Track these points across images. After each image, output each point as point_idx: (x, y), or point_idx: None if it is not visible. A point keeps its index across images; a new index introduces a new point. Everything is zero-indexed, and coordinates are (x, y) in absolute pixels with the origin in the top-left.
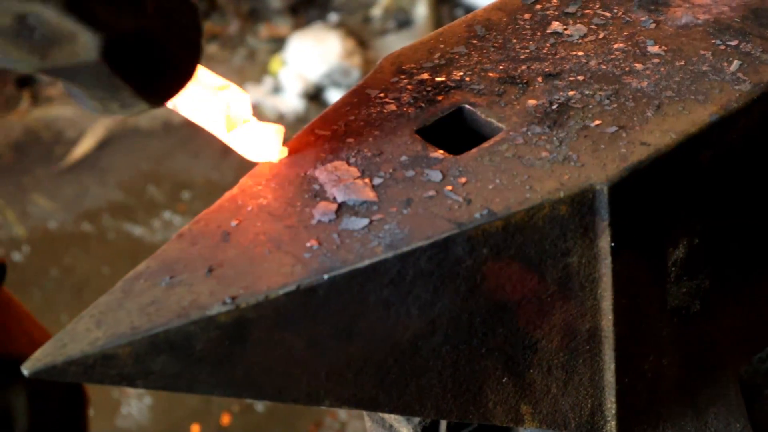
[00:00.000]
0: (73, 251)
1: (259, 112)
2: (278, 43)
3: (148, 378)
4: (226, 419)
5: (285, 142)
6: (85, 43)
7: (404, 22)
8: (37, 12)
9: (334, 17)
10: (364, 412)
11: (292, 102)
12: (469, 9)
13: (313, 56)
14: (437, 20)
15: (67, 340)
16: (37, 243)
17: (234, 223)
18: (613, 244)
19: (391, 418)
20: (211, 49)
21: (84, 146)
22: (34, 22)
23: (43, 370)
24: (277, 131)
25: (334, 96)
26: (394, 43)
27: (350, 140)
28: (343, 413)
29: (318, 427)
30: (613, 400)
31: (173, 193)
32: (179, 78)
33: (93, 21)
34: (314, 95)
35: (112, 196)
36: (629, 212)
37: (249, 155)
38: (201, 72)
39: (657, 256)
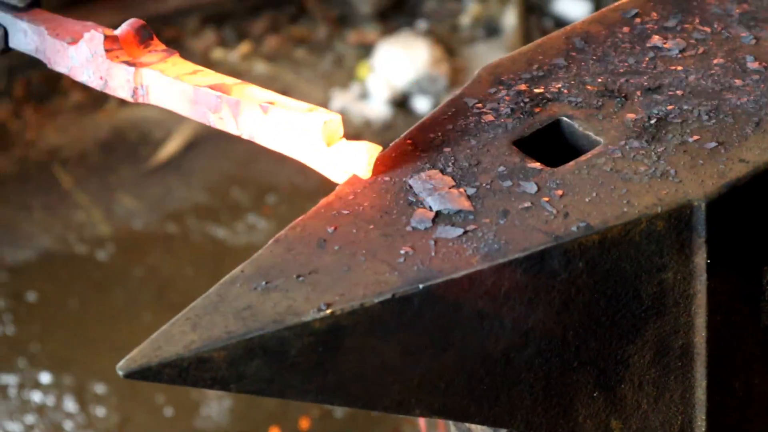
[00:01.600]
0: (157, 251)
1: (345, 118)
2: (366, 50)
3: (241, 382)
4: (304, 424)
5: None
6: None
7: (493, 30)
8: None
9: (422, 25)
10: (450, 422)
11: (378, 108)
12: (557, 19)
13: (401, 63)
14: (526, 30)
15: (162, 342)
16: (122, 242)
17: (330, 229)
18: (708, 261)
19: (478, 429)
20: (298, 53)
21: (170, 148)
22: None
23: (138, 371)
24: (370, 149)
25: (420, 103)
26: (483, 51)
27: (447, 150)
28: (421, 421)
29: None
30: (704, 417)
31: (258, 197)
32: None
33: None
34: (401, 102)
35: (196, 198)
36: (726, 229)
37: (337, 176)
38: (284, 98)
39: (752, 275)
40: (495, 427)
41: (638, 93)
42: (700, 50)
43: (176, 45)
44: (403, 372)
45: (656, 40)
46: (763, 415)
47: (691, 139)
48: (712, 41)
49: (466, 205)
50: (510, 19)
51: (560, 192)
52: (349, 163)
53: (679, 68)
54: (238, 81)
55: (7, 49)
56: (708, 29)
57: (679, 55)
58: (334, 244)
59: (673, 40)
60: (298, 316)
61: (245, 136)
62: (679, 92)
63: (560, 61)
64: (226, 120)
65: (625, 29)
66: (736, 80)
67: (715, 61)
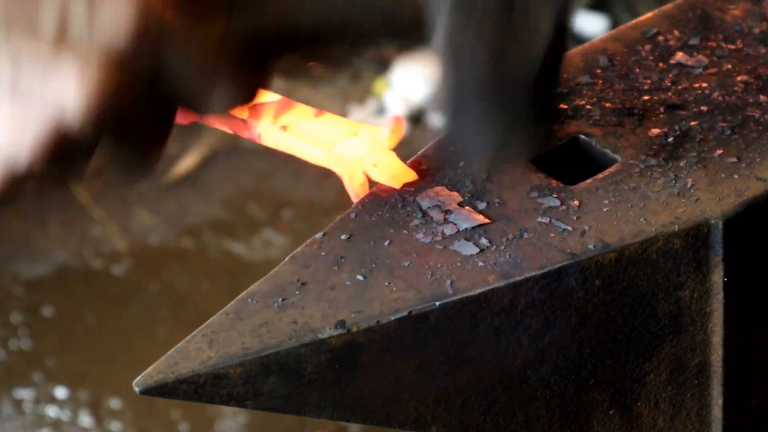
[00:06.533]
0: (173, 266)
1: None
2: (383, 65)
3: (257, 399)
4: None
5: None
6: None
7: None
8: None
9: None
10: None
11: None
12: (576, 36)
13: (418, 79)
14: None
15: (179, 359)
16: (138, 257)
17: (347, 246)
18: (725, 279)
19: None
20: (316, 69)
21: (187, 163)
22: None
23: (154, 388)
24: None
25: (437, 119)
26: None
27: (464, 166)
28: None
29: None
30: None
31: (274, 212)
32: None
33: None
34: (418, 118)
35: (213, 213)
36: (743, 247)
37: (358, 190)
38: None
39: None
40: None
41: (661, 109)
42: (724, 67)
43: None
44: (419, 389)
45: (680, 57)
46: None
47: (710, 156)
48: (735, 58)
49: (480, 219)
50: None
51: (577, 209)
52: (389, 171)
53: (704, 85)
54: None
55: None
56: (731, 46)
57: (702, 72)
58: (350, 260)
59: (696, 57)
60: (314, 333)
61: (269, 133)
62: (702, 108)
63: (579, 79)
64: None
65: (647, 47)
66: (761, 96)
67: (738, 78)
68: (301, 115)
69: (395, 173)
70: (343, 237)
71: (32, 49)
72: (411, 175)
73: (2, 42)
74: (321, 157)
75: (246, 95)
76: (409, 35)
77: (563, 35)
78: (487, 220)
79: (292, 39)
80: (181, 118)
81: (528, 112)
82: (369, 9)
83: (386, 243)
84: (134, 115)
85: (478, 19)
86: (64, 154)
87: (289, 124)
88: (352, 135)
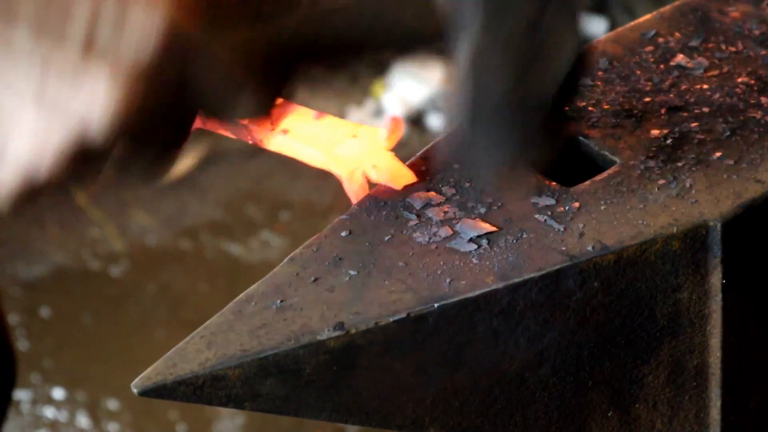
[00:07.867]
0: (170, 268)
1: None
2: (381, 67)
3: (256, 400)
4: None
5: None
6: None
7: None
8: None
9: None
10: None
11: None
12: None
13: (416, 81)
14: None
15: (177, 360)
16: (136, 258)
17: (345, 248)
18: (724, 281)
19: None
20: (314, 70)
21: (185, 164)
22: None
23: (153, 389)
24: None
25: (435, 121)
26: None
27: (458, 166)
28: None
29: None
30: None
31: (271, 213)
32: None
33: None
34: (416, 120)
35: (211, 214)
36: (742, 249)
37: (358, 190)
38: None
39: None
40: None
41: (661, 111)
42: (724, 69)
43: None
44: (417, 390)
45: (681, 59)
46: None
47: (709, 158)
48: (736, 60)
49: (487, 227)
50: None
51: (576, 211)
52: (384, 175)
53: (704, 86)
54: None
55: None
56: (732, 48)
57: (703, 74)
58: (348, 262)
59: (696, 59)
60: (312, 335)
61: (271, 137)
62: (704, 109)
63: (584, 80)
64: None
65: (648, 48)
66: (762, 98)
67: (739, 80)
68: (301, 118)
69: (395, 174)
70: (341, 238)
71: (60, 58)
72: (410, 177)
73: (31, 49)
74: (321, 159)
75: (268, 104)
76: (430, 46)
77: (582, 58)
78: (494, 228)
79: (317, 49)
80: (197, 124)
81: (542, 130)
82: (394, 21)
83: (384, 244)
84: (156, 125)
85: (506, 37)
86: (84, 165)
87: (289, 128)
88: (351, 136)
